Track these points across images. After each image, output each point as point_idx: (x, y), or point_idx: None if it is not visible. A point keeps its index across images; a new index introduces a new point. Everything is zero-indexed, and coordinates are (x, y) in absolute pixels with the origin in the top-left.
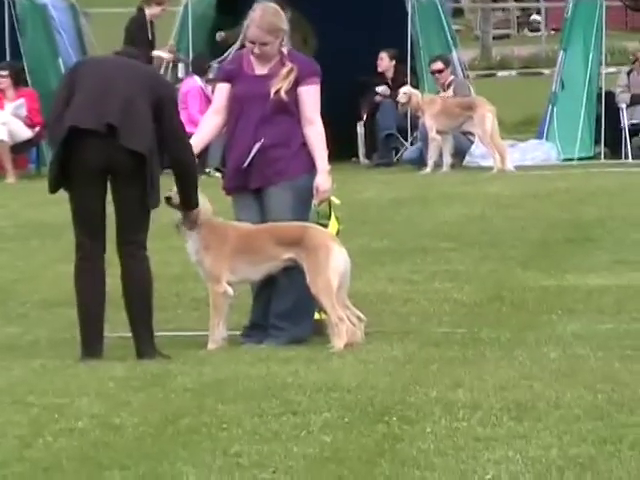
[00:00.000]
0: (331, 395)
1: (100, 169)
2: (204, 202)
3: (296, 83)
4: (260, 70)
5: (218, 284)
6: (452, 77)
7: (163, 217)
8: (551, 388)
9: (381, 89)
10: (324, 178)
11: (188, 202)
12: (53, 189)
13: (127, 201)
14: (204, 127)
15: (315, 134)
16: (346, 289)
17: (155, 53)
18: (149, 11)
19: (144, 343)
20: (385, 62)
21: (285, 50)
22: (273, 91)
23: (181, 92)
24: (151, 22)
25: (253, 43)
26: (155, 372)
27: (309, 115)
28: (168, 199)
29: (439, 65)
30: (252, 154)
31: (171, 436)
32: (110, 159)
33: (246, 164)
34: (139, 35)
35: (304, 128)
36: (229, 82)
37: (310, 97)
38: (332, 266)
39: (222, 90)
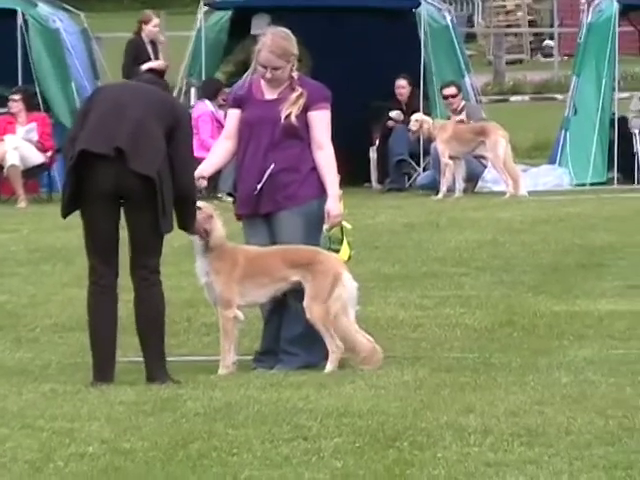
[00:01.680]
0: (342, 420)
1: (111, 193)
2: (219, 227)
3: (306, 108)
4: (270, 95)
5: (229, 309)
6: (464, 102)
7: (175, 241)
8: (562, 414)
9: (394, 114)
10: (335, 203)
11: (184, 225)
12: (65, 212)
13: (139, 225)
14: (215, 152)
15: (325, 159)
16: (353, 316)
17: (144, 66)
18: (144, 33)
19: (155, 367)
20: (406, 90)
21: (295, 75)
22: (283, 116)
23: (192, 117)
24: (153, 43)
25: (265, 68)
26: (165, 397)
27: (319, 140)
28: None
29: (453, 90)
30: (264, 180)
31: (181, 461)
32: (120, 183)
33: (257, 190)
34: (135, 57)
35: (314, 153)
36: (239, 108)
37: (320, 122)
38: (335, 294)
39: (233, 116)
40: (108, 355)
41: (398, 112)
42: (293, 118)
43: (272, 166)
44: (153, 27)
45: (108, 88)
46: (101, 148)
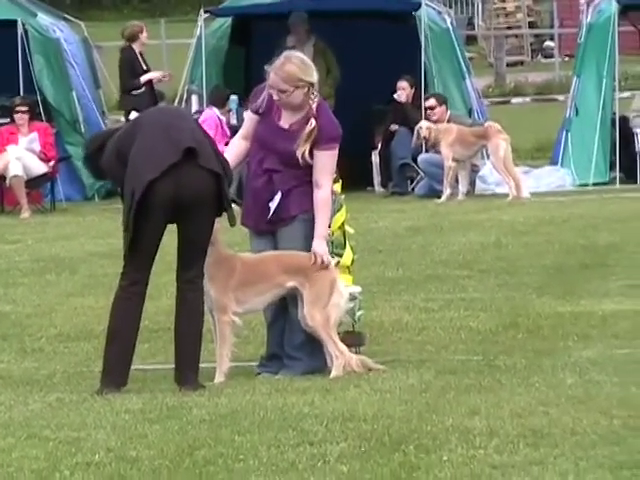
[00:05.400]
0: (347, 425)
1: (169, 204)
2: (216, 230)
3: (314, 142)
4: (285, 121)
5: (225, 314)
6: (449, 112)
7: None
8: (567, 414)
9: (394, 128)
10: (320, 243)
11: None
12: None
13: (196, 229)
14: (231, 151)
15: (320, 199)
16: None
17: (143, 78)
18: (137, 43)
19: (189, 372)
20: (407, 91)
21: (315, 105)
22: (299, 154)
23: (199, 121)
24: (141, 54)
25: (272, 89)
26: (171, 404)
27: (319, 179)
28: None
29: (431, 102)
30: (273, 208)
31: (187, 468)
32: (182, 191)
33: (270, 216)
34: (132, 69)
35: (314, 190)
36: (258, 115)
37: (325, 162)
38: (333, 302)
39: (251, 119)
40: (125, 361)
41: (400, 92)
42: (307, 157)
43: (279, 195)
44: (144, 38)
45: (143, 117)
46: (168, 159)
